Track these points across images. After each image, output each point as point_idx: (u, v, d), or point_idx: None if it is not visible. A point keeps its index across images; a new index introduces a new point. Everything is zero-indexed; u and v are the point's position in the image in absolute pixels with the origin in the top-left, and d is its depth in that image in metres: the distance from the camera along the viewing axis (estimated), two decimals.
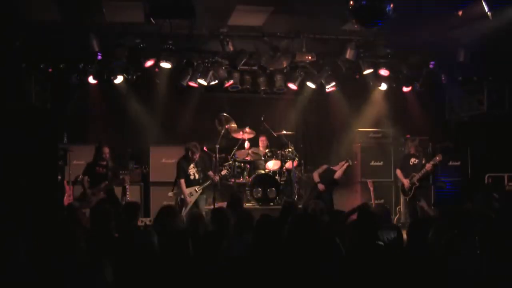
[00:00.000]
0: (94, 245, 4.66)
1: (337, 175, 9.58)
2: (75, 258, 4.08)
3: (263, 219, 4.75)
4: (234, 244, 4.78)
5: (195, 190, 8.86)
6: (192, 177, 8.89)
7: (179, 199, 8.84)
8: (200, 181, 8.95)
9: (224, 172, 9.43)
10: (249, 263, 4.37)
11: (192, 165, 8.90)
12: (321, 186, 9.55)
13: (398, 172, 9.50)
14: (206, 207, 9.43)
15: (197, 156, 8.88)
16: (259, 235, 4.62)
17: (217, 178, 9.13)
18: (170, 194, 8.98)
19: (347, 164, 9.65)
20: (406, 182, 9.18)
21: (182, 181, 8.79)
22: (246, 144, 10.51)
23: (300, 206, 9.43)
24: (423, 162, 9.12)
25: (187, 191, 8.77)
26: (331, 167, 9.79)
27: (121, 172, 9.00)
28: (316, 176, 9.71)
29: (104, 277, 3.95)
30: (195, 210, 8.23)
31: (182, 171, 8.83)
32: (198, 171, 8.93)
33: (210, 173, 9.07)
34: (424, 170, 8.98)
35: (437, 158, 8.97)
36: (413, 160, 9.27)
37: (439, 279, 4.13)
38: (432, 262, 4.27)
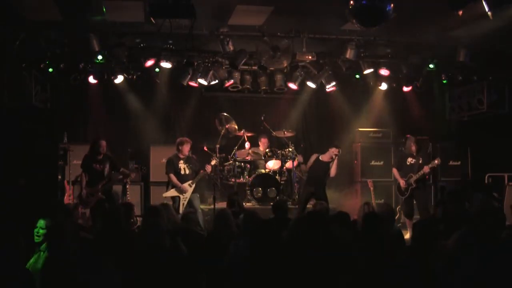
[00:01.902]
0: (100, 244, 4.69)
1: (333, 172, 9.17)
2: (78, 257, 4.10)
3: (262, 226, 4.78)
4: (239, 244, 4.79)
5: (188, 185, 8.84)
6: (182, 172, 8.88)
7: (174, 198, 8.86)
8: (194, 175, 8.92)
9: (214, 162, 9.35)
10: (252, 263, 4.40)
11: (182, 161, 8.89)
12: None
13: (395, 171, 9.47)
14: (205, 207, 9.45)
15: (185, 148, 8.85)
16: (259, 241, 4.64)
17: (209, 167, 9.04)
18: (165, 194, 8.98)
19: (337, 156, 9.10)
20: (402, 182, 9.13)
21: (171, 175, 8.82)
22: (247, 145, 10.51)
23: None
24: (420, 162, 9.03)
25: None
26: (320, 158, 9.28)
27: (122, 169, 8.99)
28: (305, 167, 9.54)
29: (109, 276, 3.97)
30: (189, 210, 8.21)
31: (170, 166, 8.86)
32: (188, 167, 8.90)
33: (201, 171, 9.01)
34: (421, 171, 8.92)
35: (436, 161, 8.93)
36: (410, 160, 9.20)
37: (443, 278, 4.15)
38: (436, 261, 4.28)
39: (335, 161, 9.10)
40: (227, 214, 5.66)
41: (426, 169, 8.89)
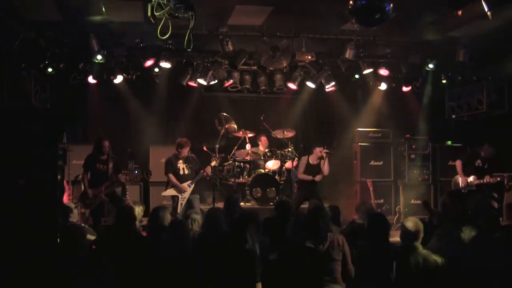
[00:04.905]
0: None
1: (326, 171, 9.11)
2: (78, 259, 4.10)
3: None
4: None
5: (187, 185, 8.80)
6: (181, 172, 8.82)
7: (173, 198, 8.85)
8: (193, 175, 8.88)
9: (214, 163, 9.33)
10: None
11: (181, 161, 8.85)
12: (318, 177, 9.11)
13: (459, 164, 9.08)
14: (204, 207, 9.42)
15: (184, 150, 8.80)
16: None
17: (208, 169, 9.02)
18: (163, 193, 8.96)
19: (328, 154, 9.09)
20: (464, 179, 8.91)
21: (170, 175, 8.78)
22: (248, 146, 10.51)
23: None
24: (485, 166, 8.82)
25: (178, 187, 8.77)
26: (310, 162, 9.25)
27: (122, 171, 8.89)
28: (304, 176, 9.29)
29: (107, 278, 3.98)
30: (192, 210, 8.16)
31: (168, 166, 8.81)
32: (188, 167, 8.85)
33: (202, 171, 8.95)
34: (483, 180, 8.72)
35: (499, 178, 8.75)
36: (478, 162, 8.92)
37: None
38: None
39: (326, 160, 9.05)
40: (217, 213, 5.66)
41: (487, 178, 8.68)
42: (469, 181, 8.91)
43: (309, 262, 4.53)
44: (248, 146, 10.50)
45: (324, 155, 9.07)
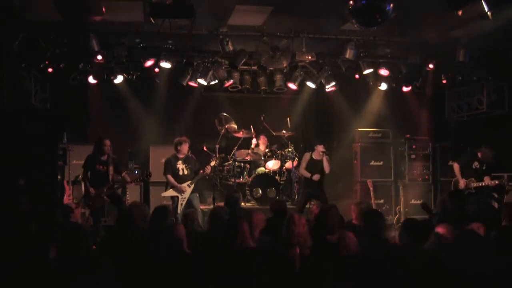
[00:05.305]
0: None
1: (326, 169, 9.13)
2: (78, 259, 4.09)
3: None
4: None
5: (187, 185, 8.80)
6: (181, 172, 8.80)
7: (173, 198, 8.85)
8: (193, 175, 8.86)
9: (213, 163, 9.33)
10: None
11: (180, 161, 8.83)
12: (316, 176, 9.08)
13: (456, 167, 9.09)
14: (204, 207, 9.43)
15: (184, 147, 8.80)
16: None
17: (208, 169, 8.97)
18: (163, 194, 8.95)
19: (324, 153, 9.14)
20: (462, 182, 8.88)
21: (169, 176, 8.76)
22: (254, 141, 10.54)
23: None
24: (483, 168, 8.80)
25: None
26: (313, 157, 9.27)
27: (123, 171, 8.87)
28: (304, 172, 9.29)
29: (107, 278, 3.97)
30: (191, 210, 8.16)
31: (167, 167, 8.80)
32: (187, 168, 8.84)
33: (201, 171, 8.93)
34: (483, 183, 8.67)
35: (497, 181, 8.70)
36: (476, 164, 8.88)
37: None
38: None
39: (325, 158, 9.10)
40: (220, 212, 5.65)
41: (487, 179, 8.66)
42: (467, 184, 8.90)
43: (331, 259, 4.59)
44: (254, 141, 10.55)
45: (321, 153, 9.13)
